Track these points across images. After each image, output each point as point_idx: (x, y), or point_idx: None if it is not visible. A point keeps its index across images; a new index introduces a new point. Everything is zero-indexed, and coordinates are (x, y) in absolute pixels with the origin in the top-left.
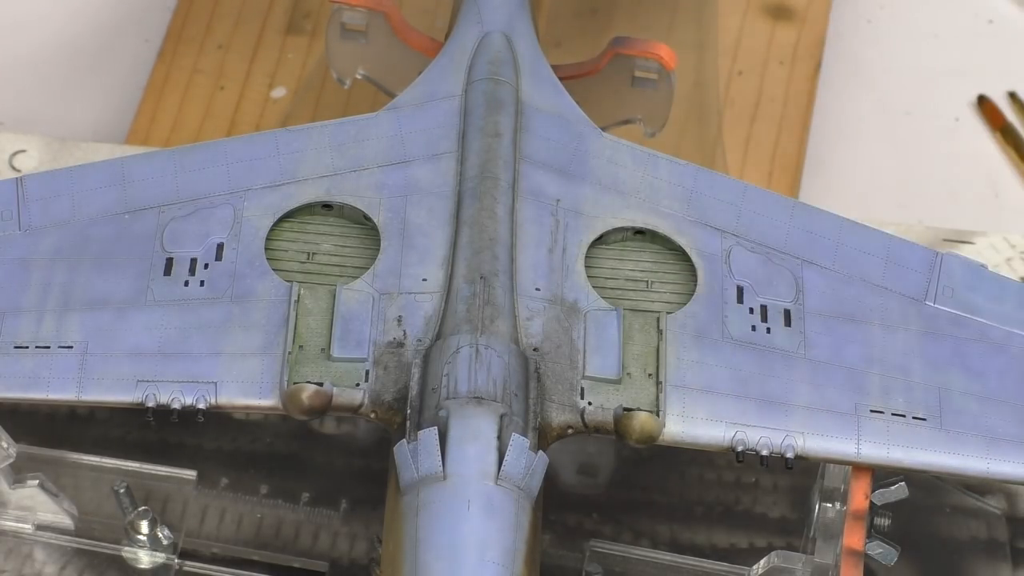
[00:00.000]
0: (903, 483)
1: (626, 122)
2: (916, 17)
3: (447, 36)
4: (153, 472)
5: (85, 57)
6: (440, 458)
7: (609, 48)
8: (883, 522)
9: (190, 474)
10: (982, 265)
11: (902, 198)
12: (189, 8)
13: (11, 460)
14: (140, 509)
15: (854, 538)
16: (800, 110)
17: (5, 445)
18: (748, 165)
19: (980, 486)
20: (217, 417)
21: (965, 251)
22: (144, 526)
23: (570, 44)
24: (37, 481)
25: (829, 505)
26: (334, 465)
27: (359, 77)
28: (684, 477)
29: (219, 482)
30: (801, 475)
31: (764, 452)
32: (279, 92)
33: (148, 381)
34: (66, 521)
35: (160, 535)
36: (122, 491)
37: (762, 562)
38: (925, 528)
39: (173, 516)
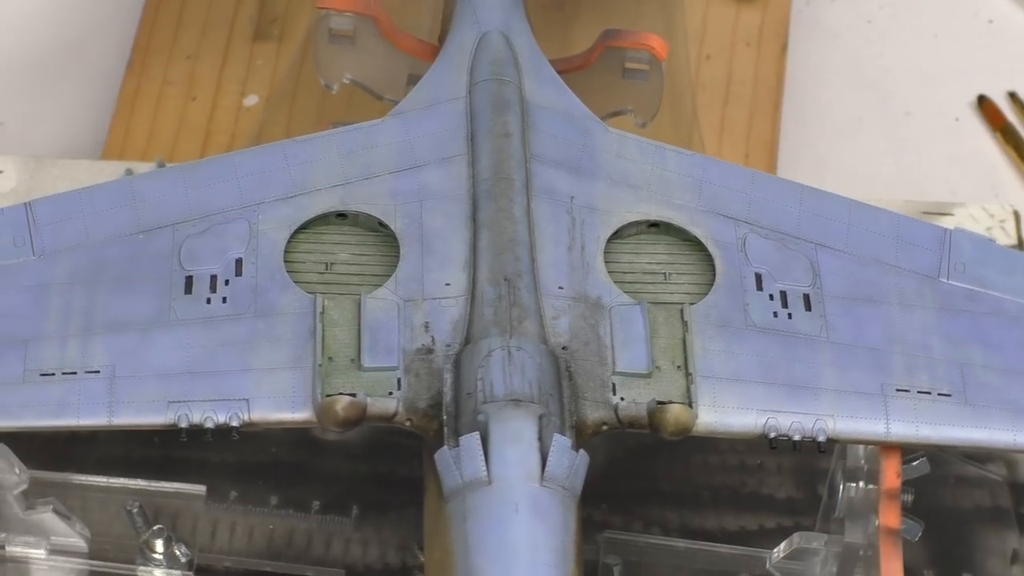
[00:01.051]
0: (924, 459)
1: (616, 114)
2: (916, 17)
3: (441, 38)
4: (161, 489)
5: (51, 74)
6: (484, 463)
7: (600, 41)
8: (906, 498)
9: (199, 489)
10: (990, 239)
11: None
12: (154, 19)
13: (24, 487)
14: (155, 528)
15: (890, 516)
16: (771, 91)
17: (18, 472)
18: (724, 148)
19: (980, 455)
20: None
21: (945, 223)
22: (159, 544)
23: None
24: (50, 506)
25: (853, 485)
26: (341, 471)
27: (346, 82)
28: (689, 463)
29: (228, 495)
30: (805, 455)
31: (796, 437)
32: (251, 100)
33: (179, 401)
34: (80, 544)
35: (178, 552)
36: (135, 511)
37: (783, 545)
38: (931, 500)
39: (184, 532)
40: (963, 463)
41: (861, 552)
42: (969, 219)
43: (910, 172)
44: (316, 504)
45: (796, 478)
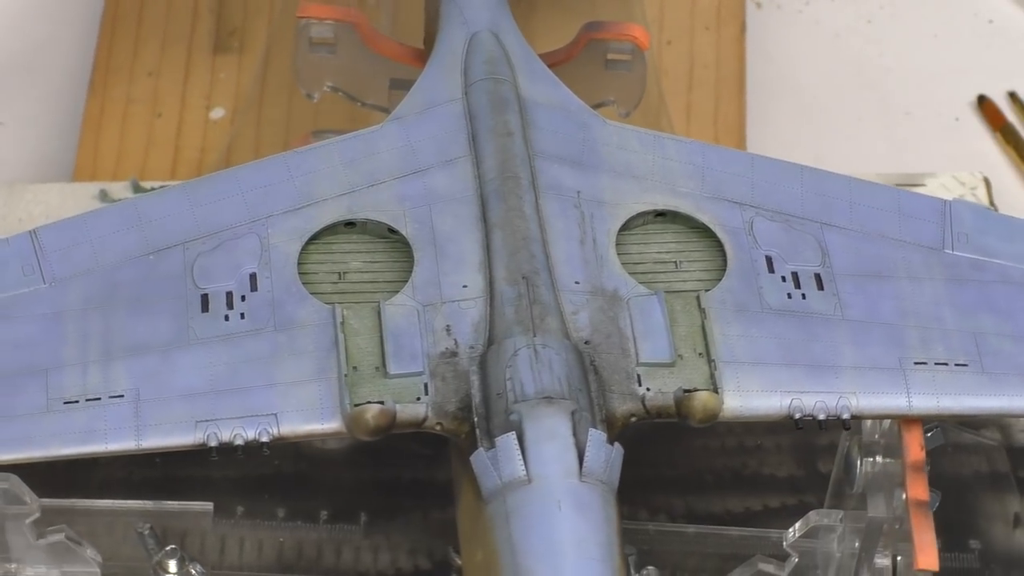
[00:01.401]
0: (939, 429)
1: (599, 105)
2: (916, 17)
3: (426, 41)
4: (167, 509)
5: (13, 99)
6: (522, 462)
7: (583, 34)
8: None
9: (206, 506)
10: (988, 208)
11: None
12: (112, 38)
13: (36, 515)
14: (167, 548)
15: (918, 489)
16: (734, 73)
17: (28, 501)
18: (693, 132)
19: (974, 421)
20: None
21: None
22: (172, 565)
23: None
24: (62, 533)
25: (870, 460)
26: (345, 480)
27: (327, 89)
28: (689, 448)
29: (235, 511)
30: (802, 433)
31: (821, 416)
32: (218, 113)
33: (207, 420)
34: (92, 570)
35: (193, 571)
36: (146, 532)
37: (798, 524)
38: (932, 469)
39: (192, 550)
40: (959, 431)
41: (885, 526)
42: (941, 188)
43: (909, 172)
44: (324, 514)
45: (796, 456)
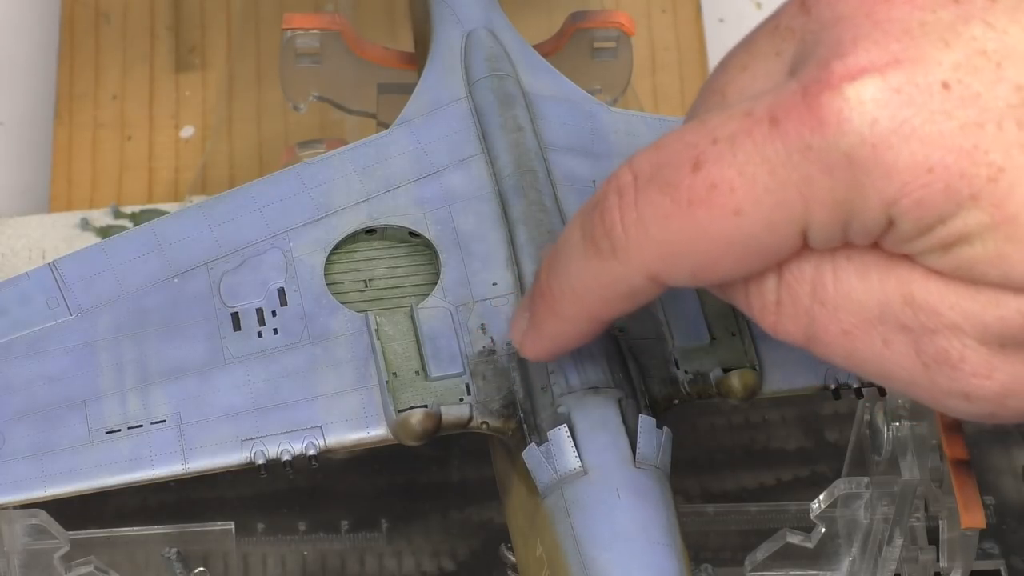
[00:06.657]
0: None
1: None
2: None
3: (417, 43)
4: (188, 530)
5: None
6: (576, 454)
7: (569, 24)
8: None
9: (227, 525)
10: None
11: None
12: (71, 65)
13: (66, 549)
14: (197, 571)
15: (957, 448)
16: (696, 54)
17: (57, 535)
18: (663, 114)
19: None
20: None
21: None
22: None
23: None
24: (91, 564)
25: (897, 424)
26: (363, 488)
27: (313, 99)
28: (696, 428)
29: (255, 529)
30: (807, 404)
31: (855, 384)
32: (188, 131)
33: (252, 439)
34: None
35: None
36: (173, 557)
37: (823, 495)
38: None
39: (216, 572)
40: None
41: (919, 488)
42: None
43: None
44: (345, 524)
45: (802, 428)
